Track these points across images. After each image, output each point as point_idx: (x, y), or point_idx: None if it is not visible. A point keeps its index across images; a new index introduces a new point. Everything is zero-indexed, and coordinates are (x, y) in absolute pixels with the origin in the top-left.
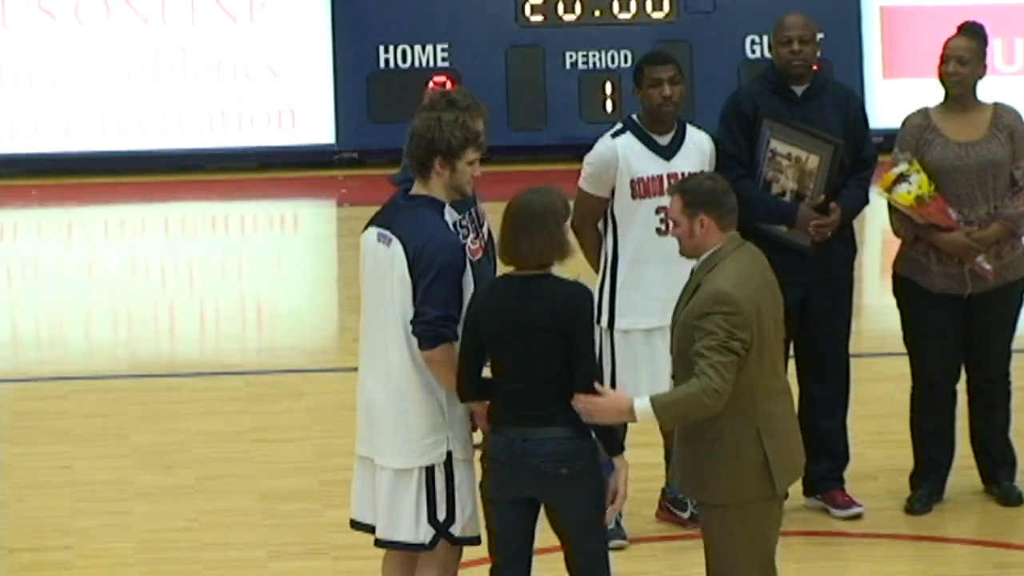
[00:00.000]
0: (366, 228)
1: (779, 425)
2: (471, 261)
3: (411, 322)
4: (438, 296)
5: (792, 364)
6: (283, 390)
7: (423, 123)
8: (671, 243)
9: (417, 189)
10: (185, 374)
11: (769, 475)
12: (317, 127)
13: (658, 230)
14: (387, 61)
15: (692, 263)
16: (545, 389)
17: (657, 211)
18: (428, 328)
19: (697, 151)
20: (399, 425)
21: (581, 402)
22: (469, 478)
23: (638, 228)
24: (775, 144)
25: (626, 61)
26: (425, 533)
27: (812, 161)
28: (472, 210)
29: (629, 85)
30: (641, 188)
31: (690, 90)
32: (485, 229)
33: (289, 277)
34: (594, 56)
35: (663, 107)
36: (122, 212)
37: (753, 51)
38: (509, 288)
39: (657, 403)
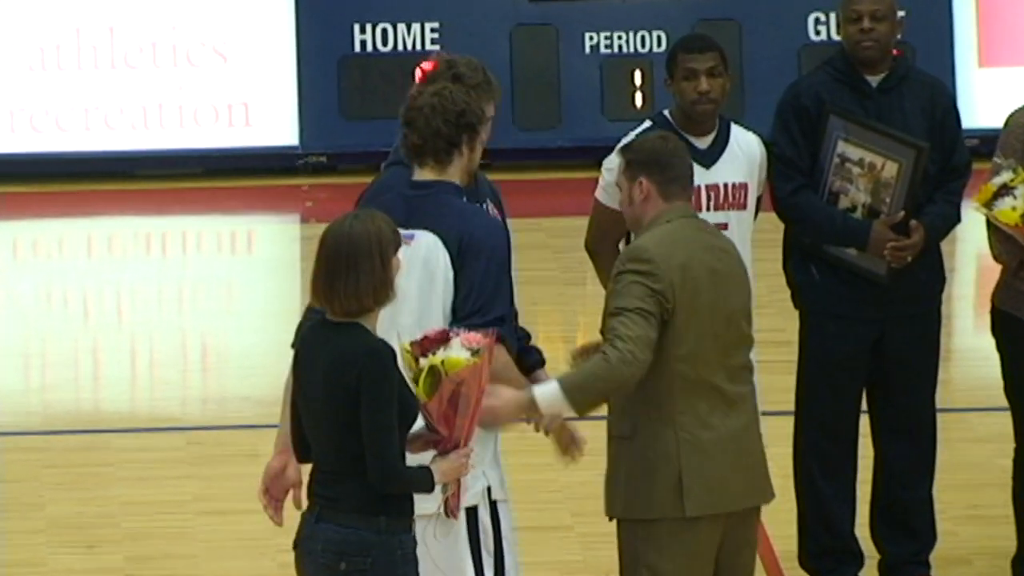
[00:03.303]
0: None
1: (713, 440)
2: None
3: (479, 323)
4: (505, 289)
5: (865, 420)
6: (233, 450)
7: (438, 96)
8: None
9: (424, 175)
10: (112, 430)
11: (680, 492)
12: (276, 124)
13: None
14: (363, 43)
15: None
16: (333, 462)
17: None
18: (508, 329)
19: (744, 157)
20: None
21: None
22: (510, 524)
23: None
24: (844, 147)
25: (659, 44)
26: None
27: (889, 168)
28: (482, 207)
29: (662, 74)
30: None
31: (739, 80)
32: None
33: (241, 310)
34: (620, 38)
35: (698, 105)
36: (34, 229)
37: (818, 32)
38: (317, 334)
39: (566, 384)
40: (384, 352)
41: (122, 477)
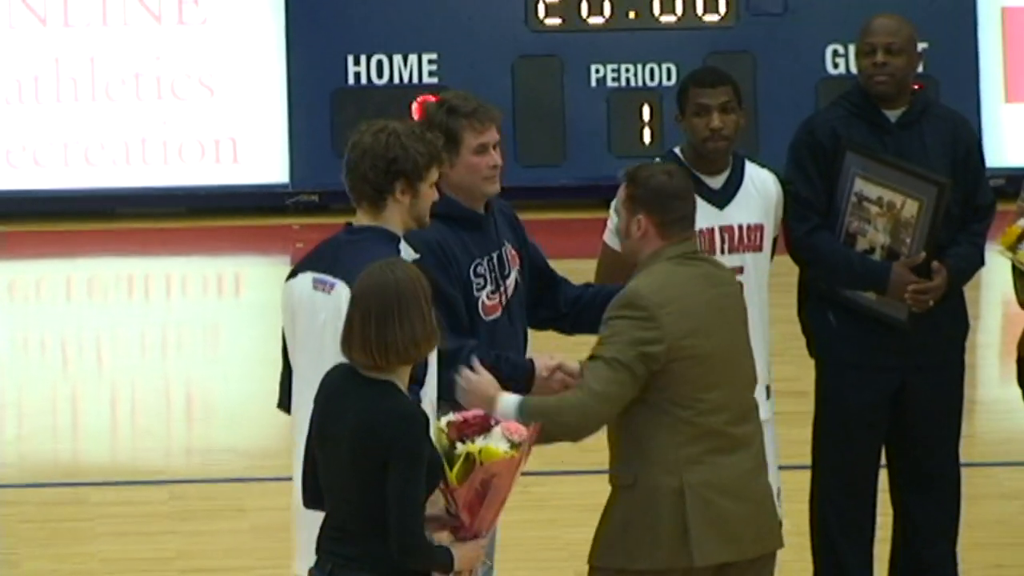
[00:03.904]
0: (293, 275)
1: (719, 486)
2: (483, 319)
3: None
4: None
5: (884, 475)
6: (219, 504)
7: (374, 138)
8: None
9: (362, 220)
10: (92, 483)
11: (687, 541)
12: (265, 161)
13: None
14: (357, 75)
15: (754, 341)
16: (350, 521)
17: None
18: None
19: (759, 196)
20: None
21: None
22: None
23: None
24: (861, 185)
25: (669, 77)
26: None
27: (910, 208)
28: (497, 254)
29: (674, 109)
30: None
31: (753, 116)
32: (511, 280)
33: (228, 357)
34: (627, 71)
35: (709, 142)
36: (10, 270)
37: (835, 65)
38: (345, 385)
39: (527, 405)
40: (419, 419)
41: (102, 533)
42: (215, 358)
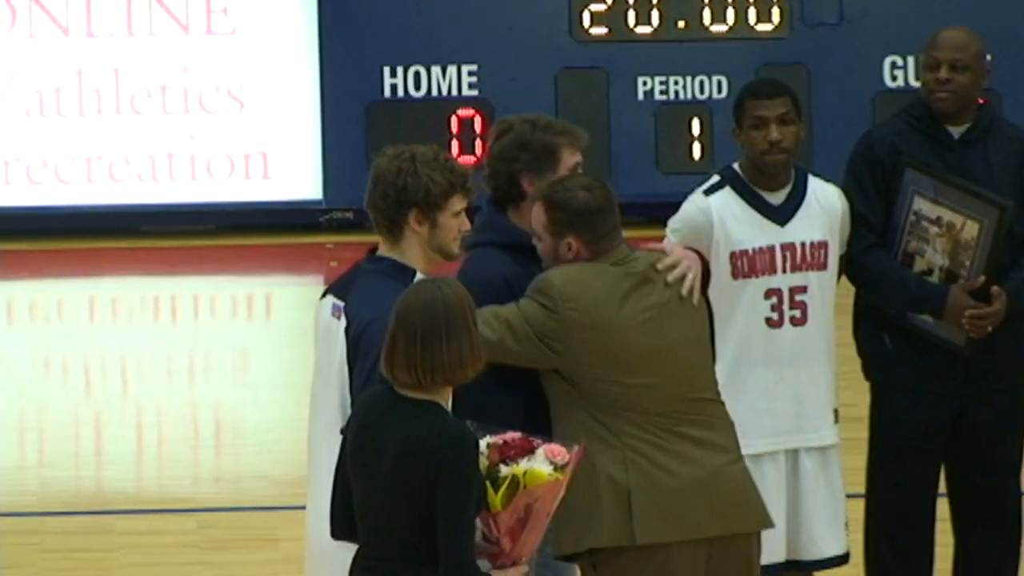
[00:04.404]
0: (323, 295)
1: (671, 474)
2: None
3: (341, 428)
4: None
5: (943, 504)
6: (250, 534)
7: (388, 163)
8: (786, 338)
9: (383, 250)
10: (117, 511)
11: (630, 520)
12: (298, 177)
13: (769, 321)
14: (394, 87)
15: (814, 363)
16: (390, 550)
17: (768, 295)
18: None
19: (824, 212)
20: (335, 562)
21: None
22: None
23: (741, 318)
24: (920, 204)
25: (720, 90)
26: None
27: (970, 229)
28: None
29: (725, 123)
30: (745, 264)
31: (807, 130)
32: None
33: (258, 381)
34: (676, 83)
35: (768, 155)
36: (31, 290)
37: (894, 77)
38: (386, 408)
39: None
40: (470, 441)
41: (127, 563)
42: (245, 382)
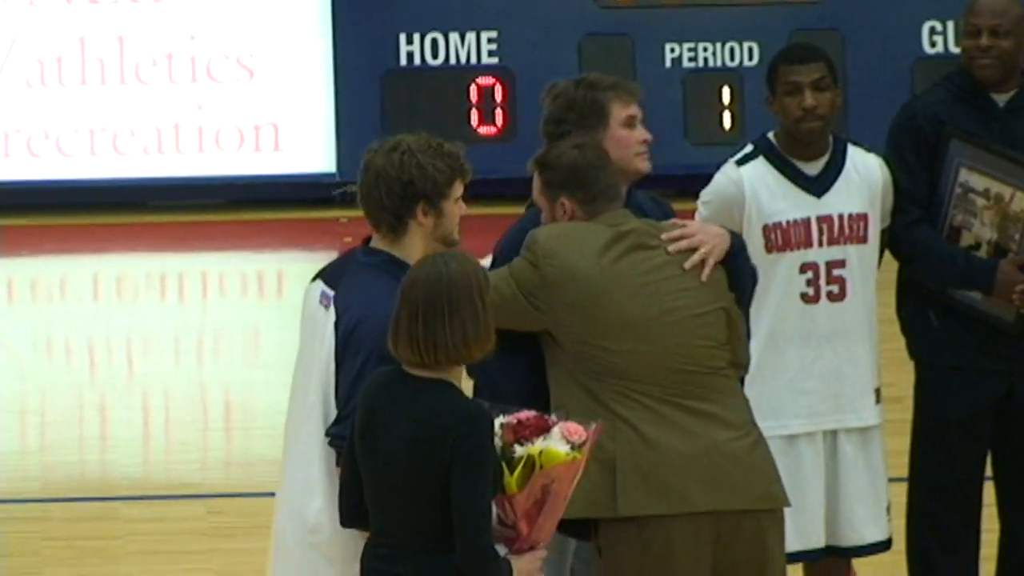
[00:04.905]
0: (314, 279)
1: (659, 445)
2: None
3: (328, 430)
4: None
5: (989, 488)
6: (262, 521)
7: (386, 158)
8: (822, 314)
9: (380, 243)
10: (122, 498)
11: (614, 489)
12: (310, 149)
13: (804, 296)
14: (410, 55)
15: (854, 341)
16: (404, 536)
17: (803, 269)
18: (342, 443)
19: (863, 183)
20: (299, 560)
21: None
22: None
23: (776, 294)
24: (967, 176)
25: (751, 57)
26: None
27: (1019, 201)
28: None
29: (756, 91)
30: (779, 237)
31: (841, 99)
32: None
33: (269, 362)
34: (705, 50)
35: (803, 123)
36: (33, 267)
37: (933, 43)
38: (396, 389)
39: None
40: (483, 418)
41: (133, 552)
42: (255, 362)
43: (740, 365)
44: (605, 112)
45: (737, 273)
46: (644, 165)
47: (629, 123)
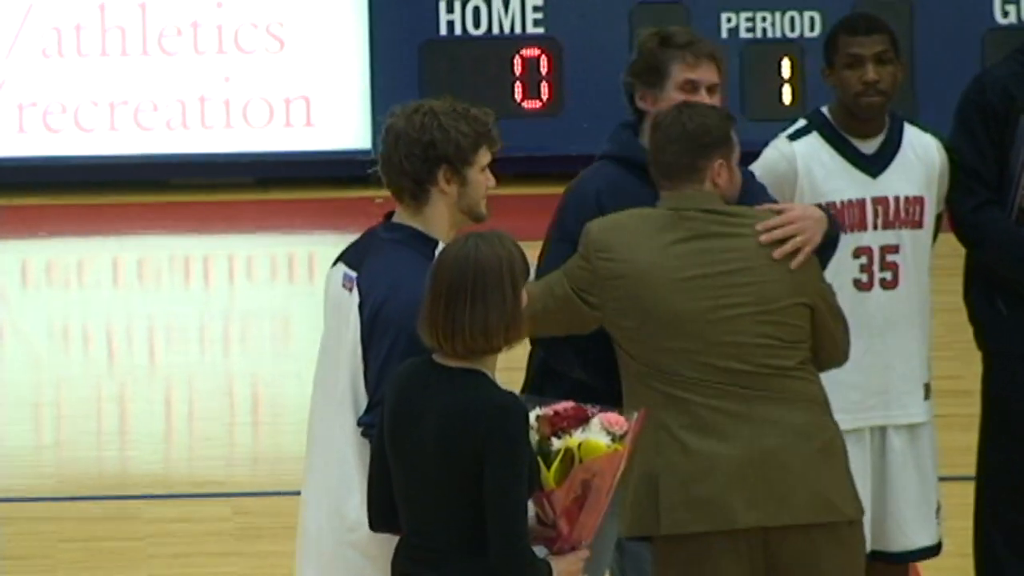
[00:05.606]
0: (335, 263)
1: (704, 457)
2: None
3: (360, 419)
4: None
5: None
6: (290, 521)
7: (407, 121)
8: (876, 302)
9: (402, 217)
10: (143, 496)
11: (656, 503)
12: (344, 124)
13: (857, 283)
14: (450, 25)
15: (906, 332)
16: (437, 537)
17: (857, 253)
18: (374, 431)
19: (920, 164)
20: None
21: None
22: None
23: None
24: None
25: (812, 28)
26: None
27: None
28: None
29: (817, 64)
30: None
31: (909, 72)
32: None
33: (299, 352)
34: (764, 20)
35: (863, 97)
36: (49, 249)
37: (1005, 13)
38: (423, 380)
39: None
40: (516, 410)
41: (154, 555)
42: (285, 353)
43: (826, 363)
44: (662, 73)
45: (826, 262)
46: None
47: (689, 88)
